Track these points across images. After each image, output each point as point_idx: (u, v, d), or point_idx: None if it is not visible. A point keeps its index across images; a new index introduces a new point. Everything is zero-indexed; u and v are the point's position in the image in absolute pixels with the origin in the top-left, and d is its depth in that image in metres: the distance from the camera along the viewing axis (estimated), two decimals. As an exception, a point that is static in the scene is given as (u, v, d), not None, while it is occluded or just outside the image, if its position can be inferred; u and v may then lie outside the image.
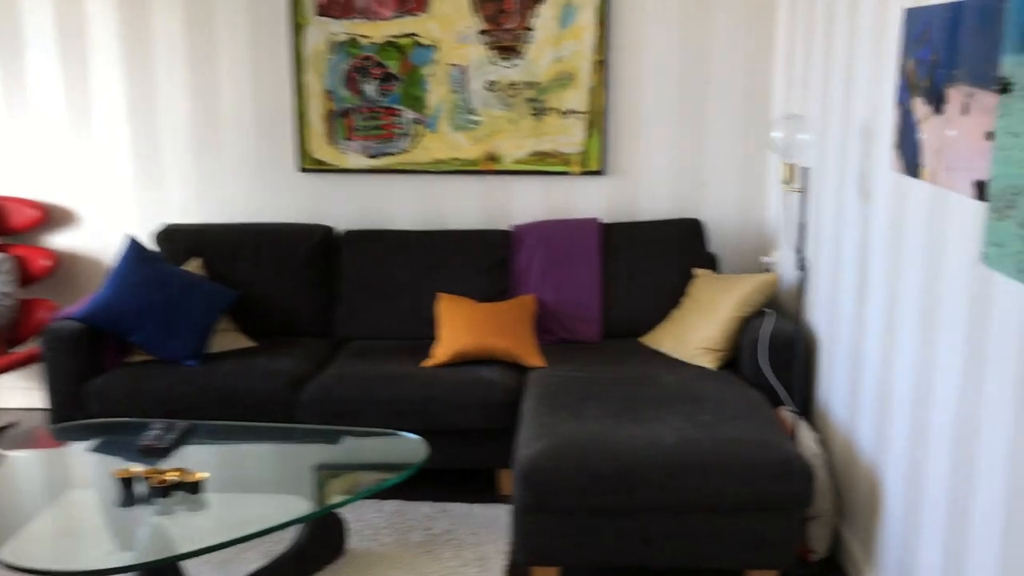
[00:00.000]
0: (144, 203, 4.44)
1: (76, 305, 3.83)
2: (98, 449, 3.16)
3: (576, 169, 4.24)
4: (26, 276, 4.30)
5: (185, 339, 3.72)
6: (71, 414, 3.63)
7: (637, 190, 4.29)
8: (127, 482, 2.72)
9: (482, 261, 4.09)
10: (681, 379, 3.43)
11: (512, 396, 3.47)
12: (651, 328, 3.95)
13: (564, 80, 4.16)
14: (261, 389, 3.57)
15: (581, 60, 4.14)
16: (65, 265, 4.48)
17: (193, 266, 4.05)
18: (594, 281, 4.00)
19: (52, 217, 4.45)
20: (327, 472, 3.08)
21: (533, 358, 3.68)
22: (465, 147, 4.27)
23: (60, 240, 4.49)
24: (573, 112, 4.18)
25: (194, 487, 2.69)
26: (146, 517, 2.63)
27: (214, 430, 3.24)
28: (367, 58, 4.22)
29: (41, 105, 4.37)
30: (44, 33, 4.30)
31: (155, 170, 4.41)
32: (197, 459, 3.03)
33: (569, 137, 4.21)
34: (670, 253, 4.01)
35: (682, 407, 3.14)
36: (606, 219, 4.25)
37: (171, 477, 2.70)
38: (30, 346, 4.24)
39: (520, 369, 3.68)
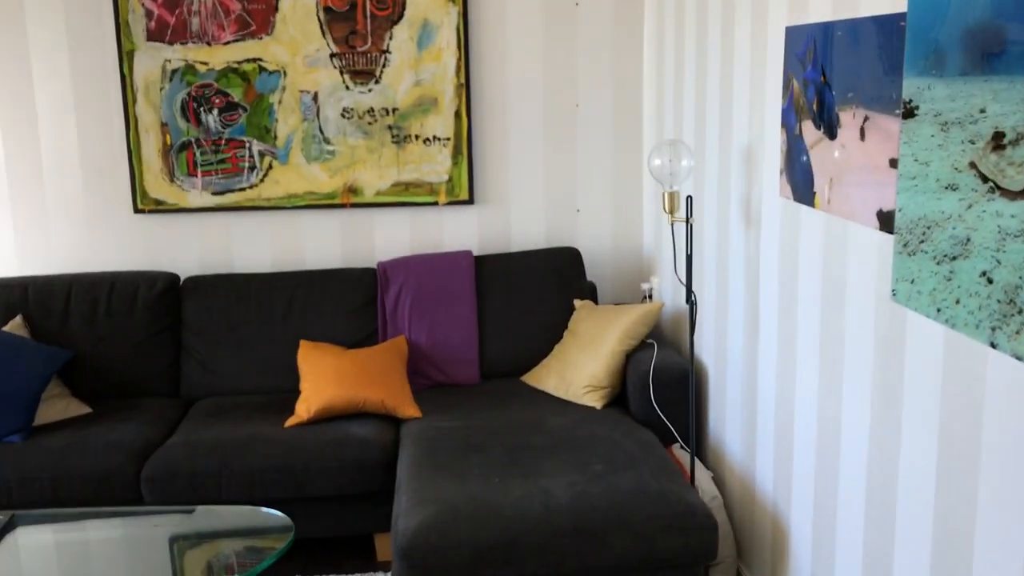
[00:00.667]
0: (-47, 256, 3.91)
1: None
2: None
3: (443, 199, 3.97)
4: None
5: (6, 412, 3.24)
6: None
7: (509, 219, 4.05)
8: (-72, 603, 2.27)
9: (346, 303, 3.77)
10: (568, 422, 3.20)
11: (387, 454, 3.16)
12: (532, 366, 3.72)
13: (426, 105, 3.89)
14: (98, 466, 3.12)
15: (443, 83, 3.88)
16: None
17: (13, 325, 3.56)
18: (470, 318, 3.73)
19: None
20: (182, 561, 2.70)
21: (408, 408, 3.37)
22: (321, 179, 3.94)
23: None
24: (437, 139, 3.91)
25: (13, 602, 2.27)
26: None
27: (42, 519, 2.81)
28: (206, 86, 3.83)
29: None
30: None
31: (-36, 217, 3.88)
32: (23, 560, 2.60)
33: (434, 165, 3.94)
34: (548, 284, 3.79)
35: (572, 455, 2.91)
36: (478, 251, 4.00)
37: (-17, 593, 2.27)
38: None
39: (394, 422, 3.37)
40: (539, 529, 2.53)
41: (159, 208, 3.91)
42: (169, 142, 3.86)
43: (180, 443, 3.21)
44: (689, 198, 2.94)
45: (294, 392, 3.51)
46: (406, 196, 3.96)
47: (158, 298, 3.72)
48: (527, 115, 3.98)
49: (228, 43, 3.80)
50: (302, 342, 3.62)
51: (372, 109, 3.88)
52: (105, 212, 3.92)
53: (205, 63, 3.81)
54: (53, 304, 3.66)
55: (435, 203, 3.97)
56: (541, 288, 3.78)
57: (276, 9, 3.78)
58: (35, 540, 2.75)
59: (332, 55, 3.84)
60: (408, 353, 3.64)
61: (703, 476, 3.06)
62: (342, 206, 3.97)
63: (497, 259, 3.85)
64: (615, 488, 2.68)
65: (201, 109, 3.85)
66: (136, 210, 3.91)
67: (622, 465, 2.83)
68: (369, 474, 3.12)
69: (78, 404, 3.50)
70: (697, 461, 3.11)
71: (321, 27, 3.81)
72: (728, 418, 3.09)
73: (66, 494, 3.10)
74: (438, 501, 2.63)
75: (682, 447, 3.22)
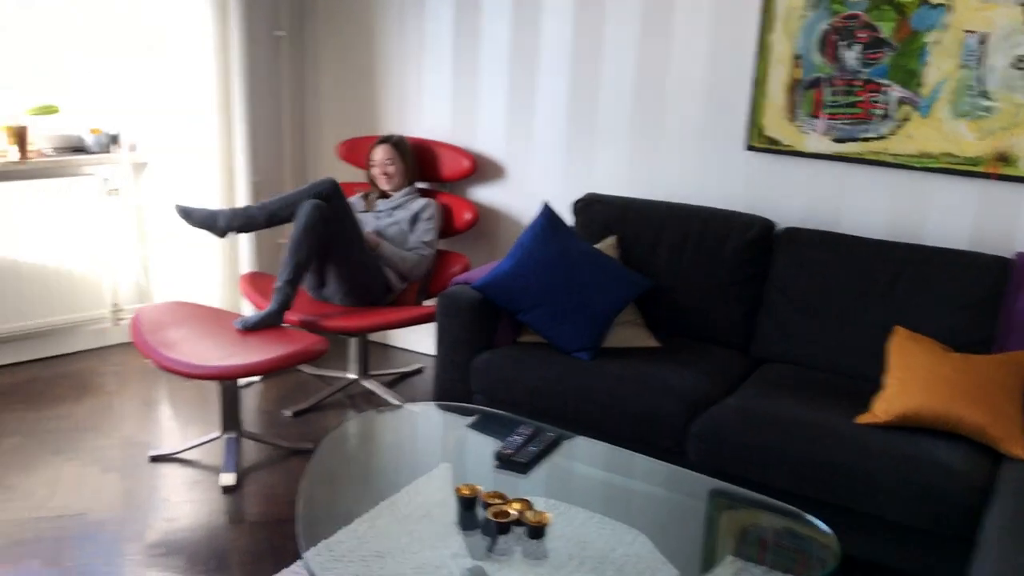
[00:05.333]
0: (572, 169, 4.05)
1: (479, 270, 3.56)
2: (461, 439, 2.86)
3: None
4: (448, 227, 4.15)
5: (581, 328, 3.27)
6: (455, 382, 3.39)
7: None
8: (468, 501, 2.33)
9: (963, 294, 3.10)
10: None
11: (975, 496, 2.51)
12: None
13: None
14: (649, 405, 3.00)
15: None
16: (485, 220, 4.27)
17: (606, 245, 3.57)
18: None
19: (481, 170, 4.25)
20: (719, 513, 2.50)
21: (1016, 446, 2.65)
22: (966, 140, 3.25)
23: (484, 194, 4.29)
24: None
25: (535, 531, 2.21)
26: (475, 551, 2.20)
27: (583, 449, 2.76)
28: (853, 17, 3.36)
29: (490, 61, 4.14)
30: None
31: (587, 135, 3.98)
32: (552, 487, 2.58)
33: None
34: None
35: None
36: None
37: (511, 510, 2.24)
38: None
39: (994, 457, 2.68)
40: None
41: (772, 148, 3.59)
42: (799, 77, 3.49)
43: (737, 407, 2.93)
44: None
45: (873, 383, 3.01)
46: (1077, 177, 3.10)
47: (749, 244, 3.44)
48: None
49: (890, -32, 3.27)
50: (898, 328, 3.07)
51: (1057, 61, 3.06)
52: (716, 144, 3.72)
53: (857, -10, 3.33)
54: (646, 230, 3.60)
55: (1117, 191, 3.05)
56: None
57: (958, -71, 3.13)
58: (569, 472, 2.73)
59: (1019, -11, 3.08)
60: (1032, 374, 2.87)
61: None
62: (985, 176, 3.24)
63: None
64: None
65: (842, 43, 3.40)
66: (748, 147, 3.64)
67: None
68: (946, 512, 2.52)
69: (646, 335, 3.41)
70: None
71: (1013, -47, 3.07)
72: None
73: (611, 423, 3.04)
74: (1037, 589, 1.97)
75: None
